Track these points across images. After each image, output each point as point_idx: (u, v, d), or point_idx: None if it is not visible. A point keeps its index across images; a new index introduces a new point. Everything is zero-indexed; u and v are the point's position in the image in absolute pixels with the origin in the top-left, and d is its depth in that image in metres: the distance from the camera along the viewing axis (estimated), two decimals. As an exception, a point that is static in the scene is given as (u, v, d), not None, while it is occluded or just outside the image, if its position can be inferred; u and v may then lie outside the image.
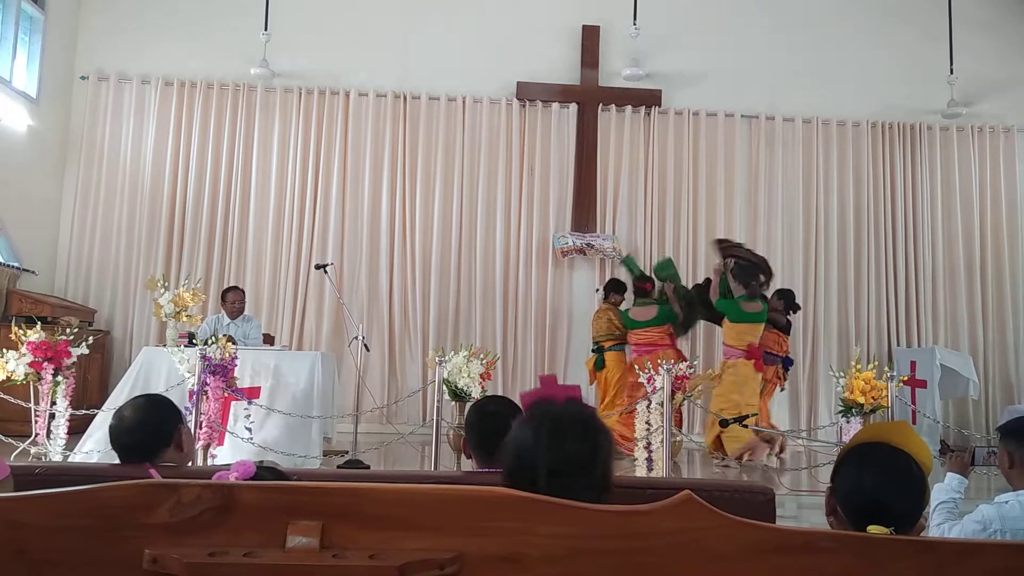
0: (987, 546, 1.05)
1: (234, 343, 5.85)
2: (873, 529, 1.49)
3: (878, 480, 1.61)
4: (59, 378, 5.57)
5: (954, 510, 2.83)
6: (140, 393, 3.94)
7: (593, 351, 7.74)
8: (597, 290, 8.12)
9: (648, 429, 5.63)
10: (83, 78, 8.91)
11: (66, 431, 5.57)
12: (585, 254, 8.86)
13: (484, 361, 6.11)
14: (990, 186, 9.50)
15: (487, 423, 2.37)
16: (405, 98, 9.06)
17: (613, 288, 7.83)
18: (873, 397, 5.51)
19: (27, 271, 7.94)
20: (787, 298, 7.60)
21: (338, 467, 5.67)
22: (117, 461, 2.26)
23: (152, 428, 2.23)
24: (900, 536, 1.10)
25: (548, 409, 1.47)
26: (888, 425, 1.73)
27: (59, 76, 8.73)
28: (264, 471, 1.49)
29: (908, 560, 0.95)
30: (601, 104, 9.19)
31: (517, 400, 2.83)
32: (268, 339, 7.75)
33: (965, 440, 7.75)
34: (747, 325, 6.90)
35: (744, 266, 7.09)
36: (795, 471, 6.63)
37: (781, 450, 7.01)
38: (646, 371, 5.72)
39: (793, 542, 0.95)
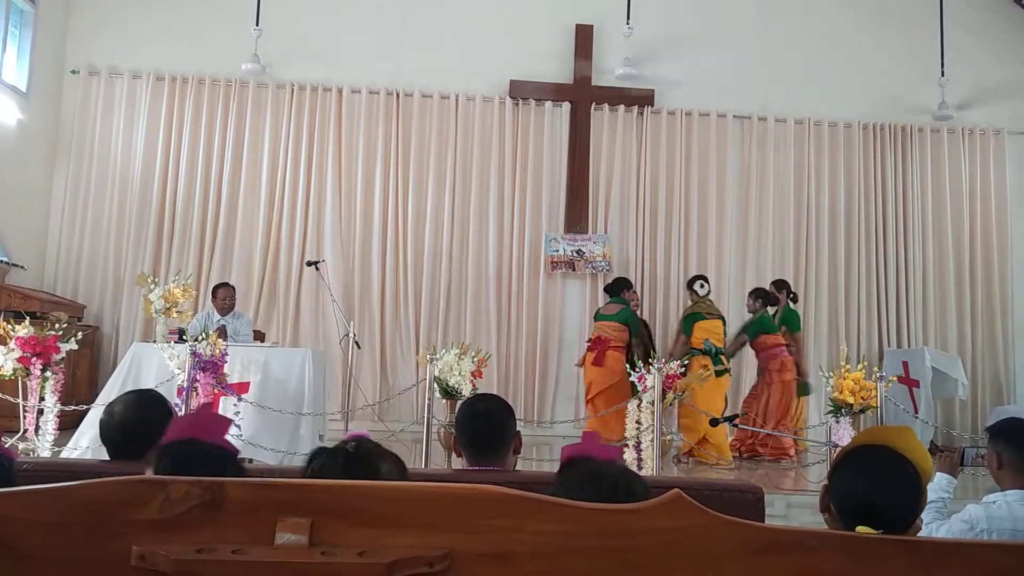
0: (974, 546, 1.05)
1: (225, 336, 5.83)
2: (861, 530, 1.49)
3: (873, 483, 1.62)
4: (48, 373, 5.55)
5: (942, 510, 2.85)
6: (130, 389, 3.92)
7: (715, 353, 6.93)
8: (698, 281, 7.48)
9: (638, 428, 5.64)
10: (74, 72, 8.86)
11: (55, 427, 5.54)
12: (575, 269, 8.86)
13: (475, 359, 6.10)
14: (980, 188, 9.56)
15: (477, 422, 2.37)
16: (398, 95, 9.04)
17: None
18: (862, 397, 5.53)
19: (16, 266, 7.90)
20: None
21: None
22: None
23: (140, 426, 2.21)
24: (888, 535, 1.11)
25: (591, 467, 1.48)
26: (890, 429, 1.73)
27: (49, 70, 8.68)
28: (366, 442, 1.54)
29: (897, 559, 0.95)
30: (594, 103, 9.20)
31: (509, 400, 2.84)
32: (259, 336, 7.73)
33: (953, 441, 7.79)
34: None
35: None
36: (787, 469, 6.67)
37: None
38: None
39: (782, 541, 0.95)
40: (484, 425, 2.36)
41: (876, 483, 1.62)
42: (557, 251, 8.89)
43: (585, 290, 8.99)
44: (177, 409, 4.55)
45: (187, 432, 1.51)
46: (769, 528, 0.97)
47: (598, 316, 7.53)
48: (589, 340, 7.47)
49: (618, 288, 7.57)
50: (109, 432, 2.22)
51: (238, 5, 8.59)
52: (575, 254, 8.87)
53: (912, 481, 1.62)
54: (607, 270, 8.87)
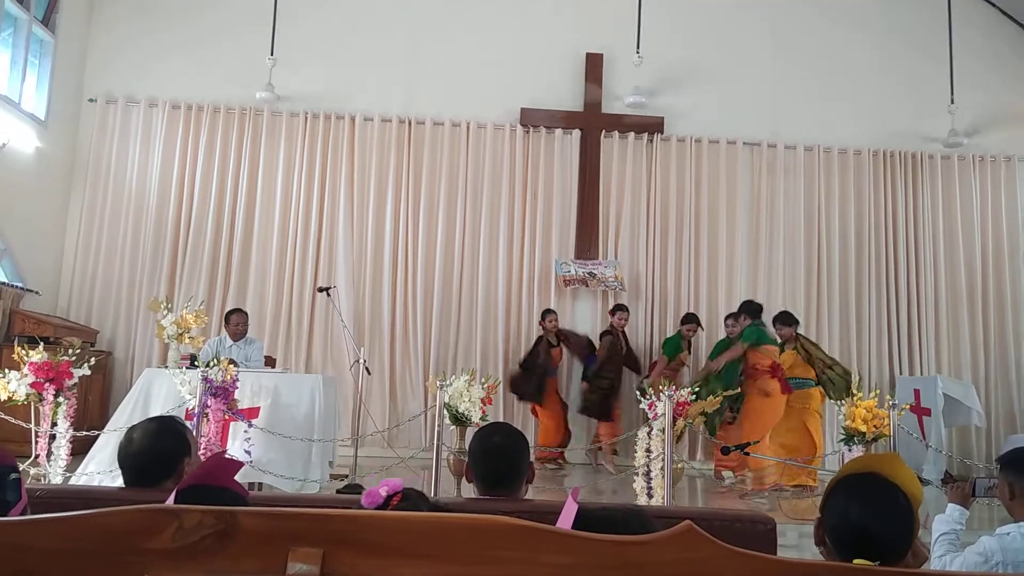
0: (987, 579, 1.05)
1: (235, 365, 5.84)
2: (859, 562, 1.48)
3: (864, 511, 1.61)
4: (60, 399, 5.56)
5: (956, 541, 2.81)
6: (140, 415, 3.92)
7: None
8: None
9: (648, 456, 5.60)
10: (91, 100, 8.99)
11: (67, 452, 5.55)
12: (588, 285, 8.87)
13: (485, 385, 6.08)
14: (991, 215, 9.52)
15: (491, 459, 2.34)
16: (410, 123, 9.12)
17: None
18: (875, 426, 5.48)
19: (31, 291, 7.96)
20: None
21: (337, 491, 5.65)
22: (120, 482, 2.25)
23: (155, 458, 2.19)
24: (903, 569, 1.10)
25: (608, 516, 1.46)
26: (877, 456, 1.73)
27: (67, 98, 8.81)
28: (411, 491, 1.47)
29: (908, 593, 0.95)
30: (604, 130, 9.25)
31: (519, 427, 2.82)
32: (270, 362, 7.75)
33: (968, 470, 7.70)
34: None
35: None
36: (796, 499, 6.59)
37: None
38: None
39: (793, 573, 0.95)
40: (498, 463, 2.33)
41: (867, 510, 1.61)
42: (569, 271, 8.89)
43: (596, 309, 8.97)
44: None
45: (199, 479, 1.51)
46: (781, 560, 0.97)
47: (768, 341, 7.11)
48: (754, 368, 7.04)
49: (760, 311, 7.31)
50: (126, 460, 2.22)
51: (253, 35, 8.73)
52: (587, 275, 8.87)
53: (903, 507, 1.62)
54: (620, 289, 8.86)
